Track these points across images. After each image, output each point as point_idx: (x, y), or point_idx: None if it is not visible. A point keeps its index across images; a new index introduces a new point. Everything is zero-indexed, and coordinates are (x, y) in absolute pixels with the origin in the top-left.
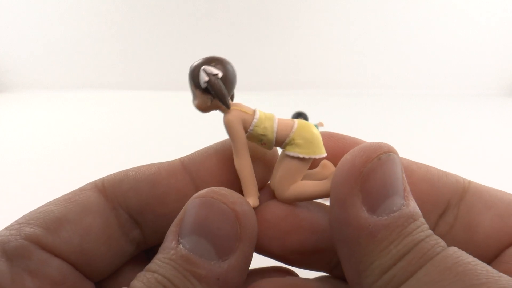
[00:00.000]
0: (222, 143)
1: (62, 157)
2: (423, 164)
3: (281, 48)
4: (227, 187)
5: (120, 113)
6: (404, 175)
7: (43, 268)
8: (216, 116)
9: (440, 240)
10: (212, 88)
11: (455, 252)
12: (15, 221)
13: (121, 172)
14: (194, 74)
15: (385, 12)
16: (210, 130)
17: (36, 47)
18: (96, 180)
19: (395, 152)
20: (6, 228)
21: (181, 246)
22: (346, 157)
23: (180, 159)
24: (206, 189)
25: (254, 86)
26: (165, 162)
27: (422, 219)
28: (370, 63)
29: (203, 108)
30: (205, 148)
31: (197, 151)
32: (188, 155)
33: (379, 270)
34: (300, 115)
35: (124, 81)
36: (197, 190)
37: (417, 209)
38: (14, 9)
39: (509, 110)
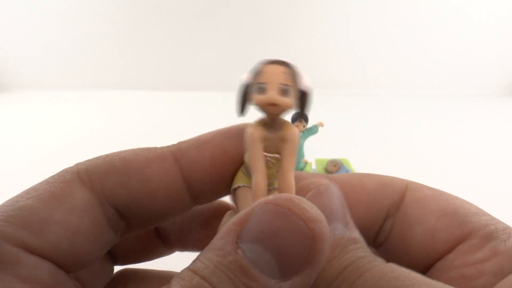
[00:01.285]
0: (217, 133)
1: (62, 157)
2: (373, 175)
3: (281, 48)
4: (219, 184)
5: (120, 113)
6: (345, 206)
7: (34, 273)
8: (216, 116)
9: (380, 258)
10: (308, 96)
11: (393, 265)
12: None
13: (105, 160)
14: (298, 74)
15: (385, 12)
16: (210, 129)
17: (36, 47)
18: (78, 168)
19: (333, 185)
20: None
21: (240, 252)
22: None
23: (170, 149)
24: (284, 196)
25: None
26: (152, 150)
27: (363, 243)
28: (370, 63)
29: (288, 109)
30: (197, 139)
31: (188, 141)
32: (179, 145)
33: (323, 283)
34: (300, 115)
35: (124, 81)
36: (188, 187)
37: (359, 236)
38: (14, 9)
39: (509, 110)
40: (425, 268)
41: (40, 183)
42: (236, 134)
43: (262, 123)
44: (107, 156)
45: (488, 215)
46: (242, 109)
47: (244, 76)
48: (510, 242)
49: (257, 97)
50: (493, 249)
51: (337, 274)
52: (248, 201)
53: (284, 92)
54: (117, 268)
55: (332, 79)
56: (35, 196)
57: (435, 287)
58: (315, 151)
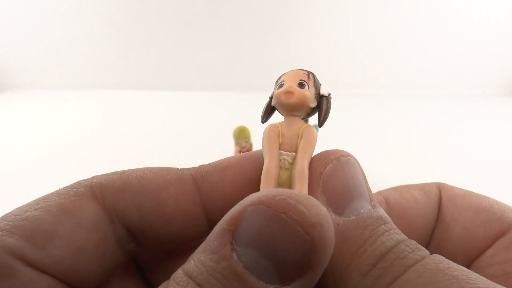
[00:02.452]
0: (239, 158)
1: (61, 157)
2: (406, 185)
3: (281, 48)
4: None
5: (120, 113)
6: (367, 182)
7: (29, 286)
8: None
9: (419, 245)
10: (328, 103)
11: (443, 258)
12: (1, 222)
13: (121, 176)
14: (317, 80)
15: (385, 12)
16: (210, 129)
17: (36, 47)
18: (92, 182)
19: (354, 158)
20: None
21: (235, 256)
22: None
23: (191, 172)
24: (279, 195)
25: (254, 86)
26: (172, 171)
27: (392, 224)
28: (371, 63)
29: (307, 101)
30: (219, 163)
31: (209, 165)
32: (200, 168)
33: (357, 272)
34: None
35: (124, 81)
36: (206, 213)
37: (386, 214)
38: (14, 9)
39: (509, 110)
40: (464, 266)
41: (52, 194)
42: (258, 159)
43: (281, 124)
44: (124, 172)
45: None
46: (266, 117)
47: (273, 92)
48: None
49: (276, 91)
50: None
51: (374, 261)
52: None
53: (301, 85)
54: None
55: (332, 79)
56: (43, 207)
57: None
58: (315, 151)
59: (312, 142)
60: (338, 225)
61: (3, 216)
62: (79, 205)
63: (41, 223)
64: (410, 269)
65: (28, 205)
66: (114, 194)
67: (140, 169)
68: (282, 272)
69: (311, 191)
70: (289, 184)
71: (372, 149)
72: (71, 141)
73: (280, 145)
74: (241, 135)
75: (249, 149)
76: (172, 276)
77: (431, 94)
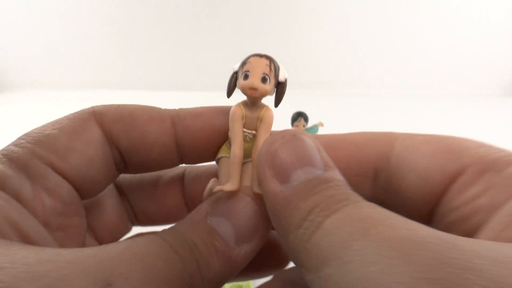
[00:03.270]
0: (210, 109)
1: None
2: (363, 132)
3: (281, 48)
4: (204, 151)
5: None
6: (322, 151)
7: (57, 188)
8: None
9: (356, 195)
10: (283, 86)
11: (369, 205)
12: (23, 138)
13: (116, 109)
14: (278, 67)
15: (385, 12)
16: None
17: (36, 47)
18: (94, 110)
19: (301, 134)
20: (16, 145)
21: (208, 221)
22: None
23: (170, 113)
24: (248, 188)
25: None
26: (156, 110)
27: (339, 182)
28: (371, 63)
29: (268, 94)
30: (193, 110)
31: (186, 109)
32: (178, 111)
33: (292, 227)
34: (300, 115)
35: (124, 81)
36: (178, 148)
37: (337, 176)
38: (14, 9)
39: (509, 110)
40: (428, 216)
41: (62, 118)
42: (225, 113)
43: (244, 104)
44: (119, 106)
45: (488, 146)
46: (230, 92)
47: (236, 66)
48: (508, 171)
49: (242, 82)
50: (488, 182)
51: (304, 216)
52: (226, 170)
53: (264, 80)
54: (136, 229)
55: (332, 79)
56: (59, 128)
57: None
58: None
59: (269, 127)
60: (281, 191)
61: (25, 134)
62: (86, 126)
63: (60, 139)
64: (328, 218)
65: (45, 126)
66: (110, 122)
67: (132, 105)
68: (239, 235)
69: (260, 167)
70: (250, 152)
71: None
72: None
73: (244, 124)
74: None
75: None
76: (163, 229)
77: (431, 94)
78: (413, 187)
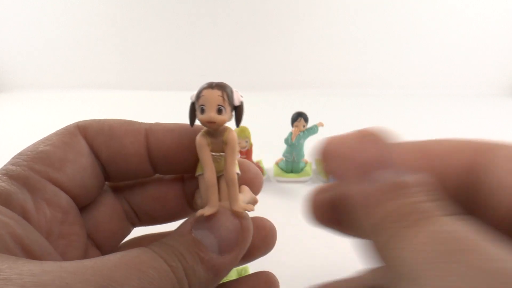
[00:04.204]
0: (179, 127)
1: None
2: (446, 139)
3: (281, 48)
4: (173, 163)
5: (119, 112)
6: (392, 154)
7: (55, 198)
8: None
9: (443, 206)
10: (241, 109)
11: (456, 223)
12: (18, 157)
13: (98, 123)
14: (231, 92)
15: (385, 12)
16: None
17: (35, 47)
18: (78, 124)
19: (377, 134)
20: (13, 164)
21: (193, 234)
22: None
23: (145, 126)
24: (227, 205)
25: (254, 86)
26: (132, 124)
27: (420, 188)
28: (370, 63)
29: (226, 122)
30: (166, 125)
31: (160, 124)
32: (152, 125)
33: (370, 229)
34: (300, 115)
35: (124, 81)
36: (150, 159)
37: (419, 179)
38: (13, 9)
39: (509, 110)
40: None
41: (51, 135)
42: (194, 132)
43: (207, 132)
44: (100, 120)
45: None
46: (192, 122)
47: (192, 96)
48: None
49: (200, 116)
50: None
51: (380, 221)
52: (206, 188)
53: (219, 111)
54: (137, 230)
55: (332, 79)
56: (51, 144)
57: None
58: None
59: (234, 148)
60: (362, 190)
61: (19, 154)
62: (75, 138)
63: (54, 153)
64: (409, 229)
65: (37, 145)
66: (93, 135)
67: (111, 119)
68: (221, 246)
69: (339, 163)
70: (221, 170)
71: None
72: None
73: (211, 150)
74: (241, 135)
75: (249, 149)
76: (153, 243)
77: (432, 94)
78: (505, 206)
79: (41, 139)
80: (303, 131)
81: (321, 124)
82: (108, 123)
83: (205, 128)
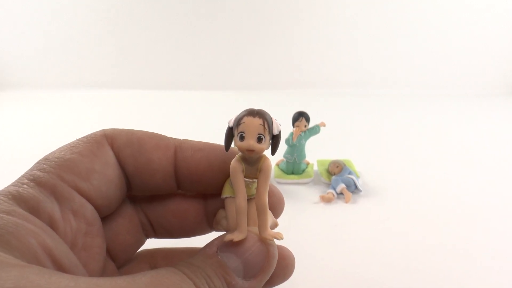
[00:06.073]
0: (209, 146)
1: None
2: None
3: (281, 48)
4: (198, 182)
5: (119, 112)
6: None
7: (81, 209)
8: (215, 115)
9: None
10: (278, 137)
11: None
12: (45, 163)
13: (127, 134)
14: (271, 121)
15: (385, 12)
16: (210, 129)
17: (34, 47)
18: (105, 133)
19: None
20: (40, 170)
21: (219, 256)
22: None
23: (175, 143)
24: (255, 231)
25: (254, 86)
26: (162, 138)
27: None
28: (370, 63)
29: (262, 152)
30: (196, 143)
31: (190, 142)
32: (182, 142)
33: None
34: (301, 115)
35: (123, 81)
36: (176, 176)
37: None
38: (13, 9)
39: (509, 110)
40: None
41: (77, 142)
42: (222, 152)
43: (243, 158)
44: (128, 131)
45: None
46: (227, 146)
47: (230, 120)
48: None
49: (238, 142)
50: None
51: None
52: (233, 213)
53: (259, 139)
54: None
55: (333, 79)
56: (78, 152)
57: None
58: (317, 152)
59: (268, 176)
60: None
61: (45, 159)
62: (103, 148)
63: (81, 163)
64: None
65: (63, 151)
66: (121, 146)
67: (140, 131)
68: (247, 271)
69: None
70: (250, 194)
71: (375, 150)
72: (70, 140)
73: (244, 176)
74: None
75: None
76: (180, 262)
77: (431, 94)
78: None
79: (66, 145)
80: (305, 132)
81: (323, 124)
82: (137, 135)
83: (240, 154)
